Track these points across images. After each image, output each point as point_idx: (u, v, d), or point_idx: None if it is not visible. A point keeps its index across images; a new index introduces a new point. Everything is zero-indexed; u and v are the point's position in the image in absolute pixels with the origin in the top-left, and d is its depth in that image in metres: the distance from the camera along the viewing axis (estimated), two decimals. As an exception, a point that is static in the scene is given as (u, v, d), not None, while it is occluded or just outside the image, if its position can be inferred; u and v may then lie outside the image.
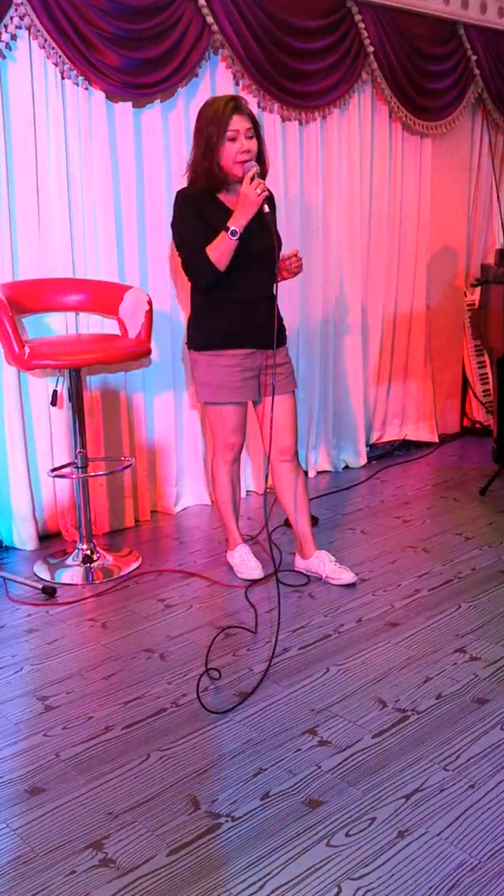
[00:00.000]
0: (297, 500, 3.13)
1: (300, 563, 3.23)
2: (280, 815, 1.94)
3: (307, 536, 3.17)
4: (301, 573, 3.21)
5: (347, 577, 3.11)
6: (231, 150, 2.77)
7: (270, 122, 3.88)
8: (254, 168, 2.75)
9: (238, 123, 2.75)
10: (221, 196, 2.88)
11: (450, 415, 5.11)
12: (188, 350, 3.06)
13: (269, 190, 2.80)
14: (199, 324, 2.99)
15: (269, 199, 2.81)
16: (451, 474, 4.42)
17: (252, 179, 2.73)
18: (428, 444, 4.93)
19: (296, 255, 2.93)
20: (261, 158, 2.84)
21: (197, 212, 2.84)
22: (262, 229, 2.80)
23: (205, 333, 2.97)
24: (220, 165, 2.80)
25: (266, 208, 2.75)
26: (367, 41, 4.07)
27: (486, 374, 5.11)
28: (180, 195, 2.90)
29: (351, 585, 3.11)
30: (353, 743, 2.20)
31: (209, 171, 2.81)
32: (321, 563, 3.15)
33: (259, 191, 2.72)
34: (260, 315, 2.89)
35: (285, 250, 3.00)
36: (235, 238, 2.76)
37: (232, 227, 2.75)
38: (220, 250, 2.78)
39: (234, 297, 2.89)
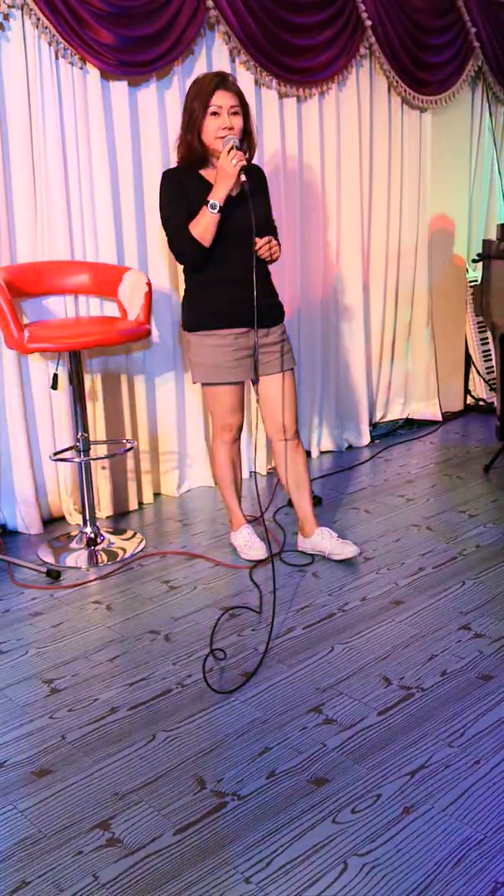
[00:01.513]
0: (297, 479, 3.12)
1: (302, 542, 3.22)
2: (286, 793, 1.95)
3: (308, 515, 3.17)
4: (305, 552, 3.21)
5: (350, 550, 3.10)
6: (212, 124, 2.75)
7: (268, 98, 3.84)
8: (232, 140, 2.73)
9: (221, 99, 2.73)
10: (204, 172, 2.87)
11: (453, 393, 5.09)
12: (183, 331, 3.05)
13: (248, 161, 2.76)
14: (190, 304, 2.98)
15: (256, 172, 2.78)
16: (454, 452, 4.41)
17: (229, 151, 2.70)
18: (431, 423, 4.91)
19: (267, 244, 2.80)
20: (247, 137, 2.81)
21: (179, 190, 2.83)
22: (244, 203, 2.77)
23: (196, 314, 2.95)
24: (201, 140, 2.78)
25: (243, 178, 2.72)
26: (364, 14, 4.02)
27: (489, 350, 5.09)
28: (164, 175, 2.89)
29: (354, 560, 3.10)
30: (359, 721, 2.21)
31: (190, 145, 2.80)
32: (323, 539, 3.15)
33: (235, 161, 2.69)
34: (250, 293, 2.86)
35: (281, 227, 2.95)
36: (216, 211, 2.74)
37: (212, 201, 2.73)
38: (203, 226, 2.76)
39: (223, 275, 2.87)
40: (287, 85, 3.86)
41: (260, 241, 2.80)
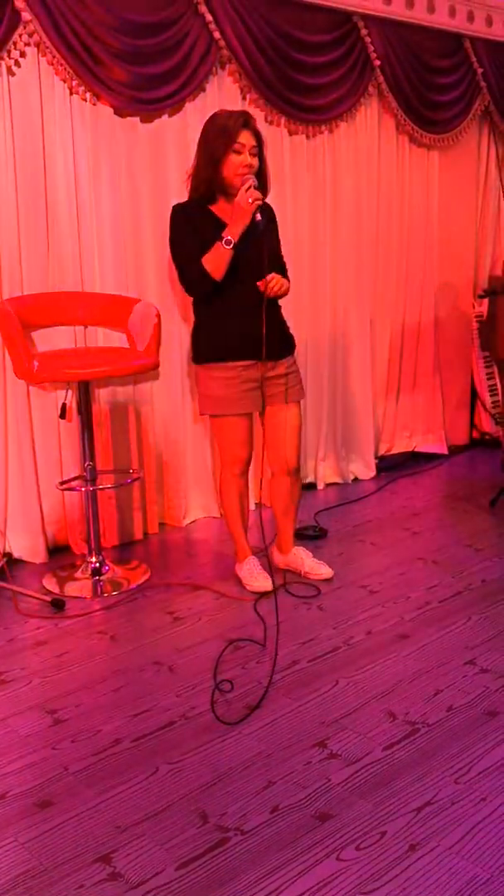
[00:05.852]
0: (286, 506, 3.23)
1: (278, 558, 3.28)
2: (289, 829, 1.93)
3: (288, 535, 3.26)
4: (311, 585, 3.21)
5: (325, 571, 3.19)
6: (234, 161, 2.81)
7: (277, 136, 3.90)
8: (251, 179, 2.80)
9: (245, 138, 2.81)
10: (214, 209, 2.93)
11: (459, 426, 5.10)
12: (191, 364, 3.09)
13: (263, 200, 2.83)
14: (198, 337, 3.03)
15: (266, 210, 2.83)
16: (460, 486, 4.41)
17: (247, 189, 2.77)
18: (437, 456, 4.92)
19: (272, 282, 2.85)
20: (262, 178, 2.88)
21: (191, 224, 2.88)
22: (256, 240, 2.83)
23: (204, 347, 3.00)
24: (222, 176, 2.84)
25: (258, 217, 2.78)
26: (373, 55, 4.09)
27: (495, 385, 5.10)
28: (175, 209, 2.95)
29: (359, 593, 3.10)
30: (363, 756, 2.18)
31: (210, 179, 2.86)
32: (299, 558, 3.19)
33: (251, 199, 2.75)
34: (258, 326, 2.89)
35: (290, 261, 3.01)
36: (230, 248, 2.79)
37: (226, 237, 2.78)
38: (216, 261, 2.81)
39: (232, 308, 2.92)
40: (296, 123, 3.93)
41: (265, 281, 2.83)
